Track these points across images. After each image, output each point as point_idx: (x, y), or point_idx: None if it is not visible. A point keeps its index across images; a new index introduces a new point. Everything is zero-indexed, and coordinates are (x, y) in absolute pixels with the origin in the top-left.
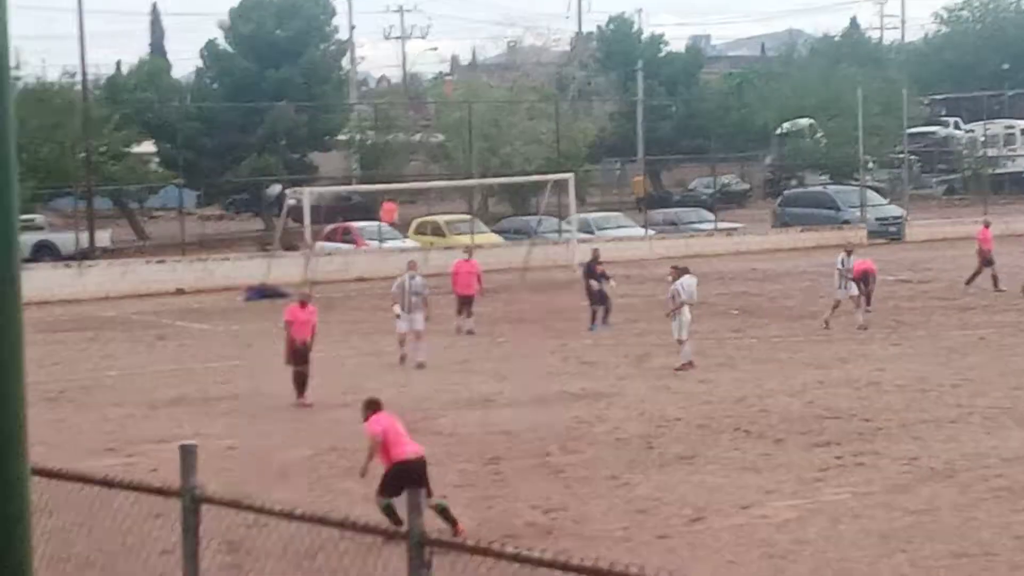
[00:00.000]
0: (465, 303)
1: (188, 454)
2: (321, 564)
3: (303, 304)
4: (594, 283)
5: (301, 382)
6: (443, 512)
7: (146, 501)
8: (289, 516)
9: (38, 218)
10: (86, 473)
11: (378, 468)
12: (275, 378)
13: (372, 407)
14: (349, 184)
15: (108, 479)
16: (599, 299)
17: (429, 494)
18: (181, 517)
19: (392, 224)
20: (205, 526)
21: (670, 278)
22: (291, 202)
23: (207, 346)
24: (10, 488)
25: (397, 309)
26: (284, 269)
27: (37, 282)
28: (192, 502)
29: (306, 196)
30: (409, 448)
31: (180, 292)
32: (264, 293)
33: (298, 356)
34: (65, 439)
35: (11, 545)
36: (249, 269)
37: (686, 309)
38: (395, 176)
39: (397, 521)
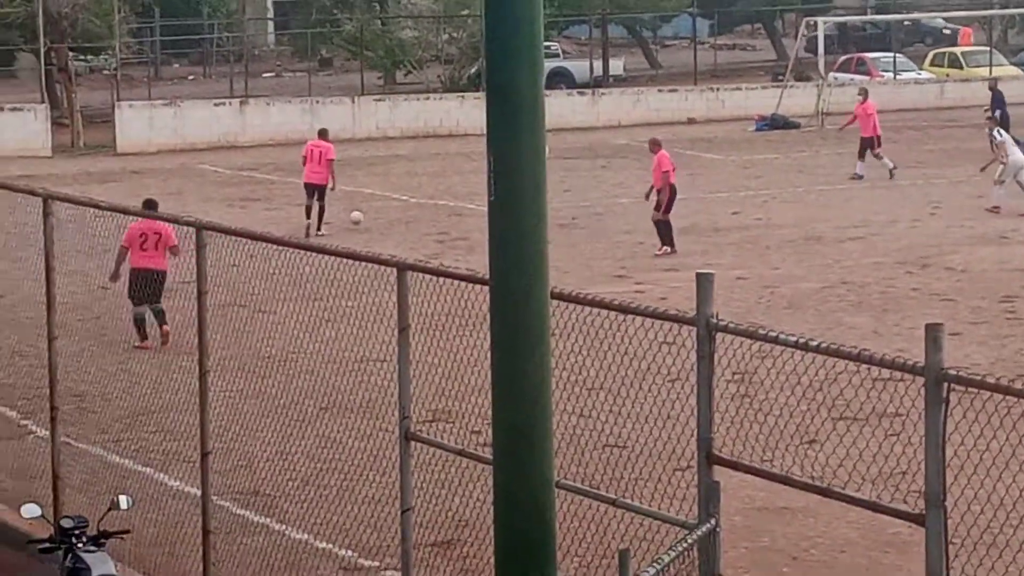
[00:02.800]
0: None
1: (705, 282)
2: (831, 396)
3: None
4: None
5: None
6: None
7: (656, 328)
8: (804, 347)
9: (554, 46)
10: (603, 299)
11: None
12: (784, 210)
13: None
14: (864, 14)
15: (624, 305)
16: None
17: None
18: (696, 345)
19: (969, 47)
20: (717, 355)
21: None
22: (805, 31)
23: (718, 176)
24: (534, 309)
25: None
26: (796, 99)
27: (552, 109)
28: (707, 330)
29: (820, 25)
30: None
31: (691, 121)
32: (775, 123)
33: None
34: (577, 264)
35: (533, 364)
36: (761, 99)
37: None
38: (913, 5)
39: None
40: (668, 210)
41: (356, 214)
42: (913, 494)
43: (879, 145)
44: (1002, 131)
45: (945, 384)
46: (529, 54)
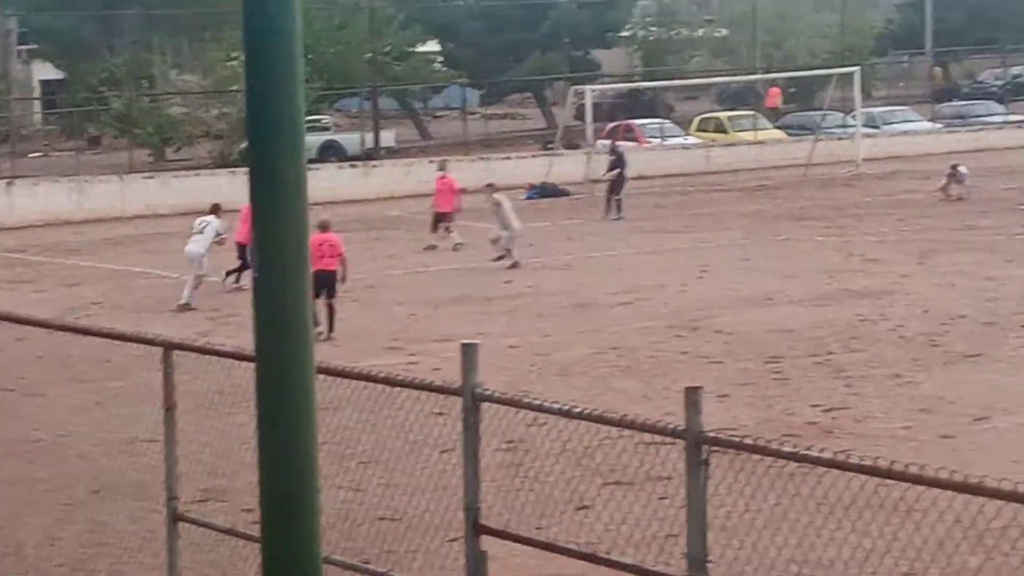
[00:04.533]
0: None
1: (470, 352)
2: (599, 462)
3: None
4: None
5: None
6: None
7: (428, 400)
8: (567, 414)
9: (325, 119)
10: (369, 372)
11: None
12: (555, 278)
13: None
14: (631, 81)
15: (391, 378)
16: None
17: None
18: (462, 415)
19: (775, 108)
20: (485, 424)
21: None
22: (573, 100)
23: (487, 246)
24: (299, 384)
25: None
26: (565, 167)
27: (323, 182)
28: (473, 400)
29: (588, 94)
30: None
31: (462, 191)
32: (545, 192)
33: None
34: (351, 337)
35: (299, 439)
36: (531, 168)
37: None
38: (678, 72)
39: None
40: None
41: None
42: (682, 557)
43: (451, 220)
44: None
45: (704, 446)
46: (290, 131)
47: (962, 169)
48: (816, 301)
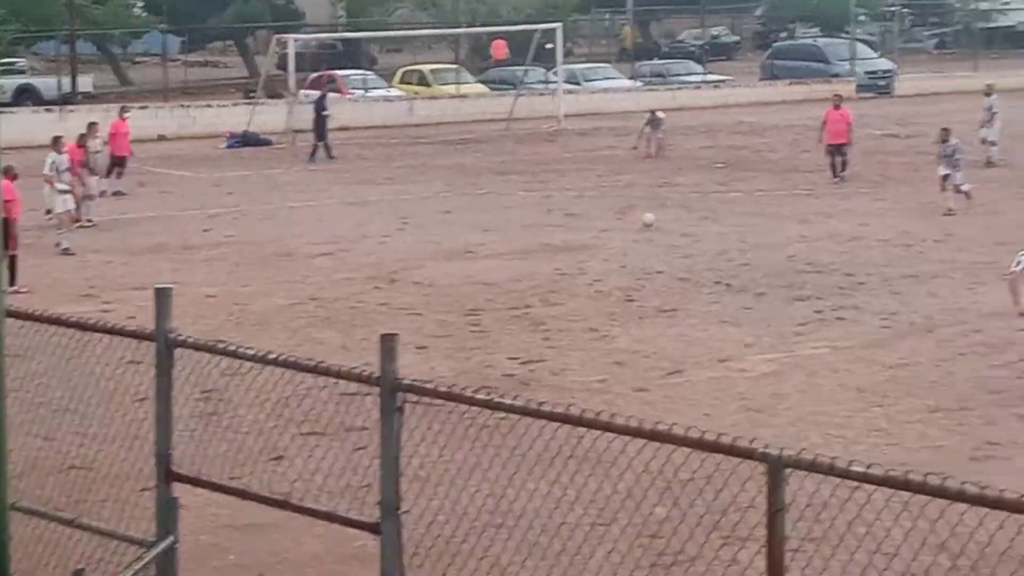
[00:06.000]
0: None
1: (163, 297)
2: (296, 412)
3: None
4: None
5: None
6: None
7: (122, 347)
8: (263, 360)
9: (20, 62)
10: (60, 316)
11: None
12: (256, 227)
13: None
14: (335, 32)
15: (82, 322)
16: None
17: None
18: (155, 361)
19: (503, 59)
20: (181, 374)
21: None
22: (275, 50)
23: (188, 193)
24: None
25: None
26: (267, 117)
27: (19, 126)
28: (166, 346)
29: (291, 43)
30: None
31: (162, 138)
32: (247, 141)
33: None
34: (43, 284)
35: None
36: (233, 116)
37: None
38: (382, 24)
39: None
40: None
41: (649, 216)
42: (375, 505)
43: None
44: None
45: (399, 394)
46: None
47: (660, 115)
48: (516, 255)
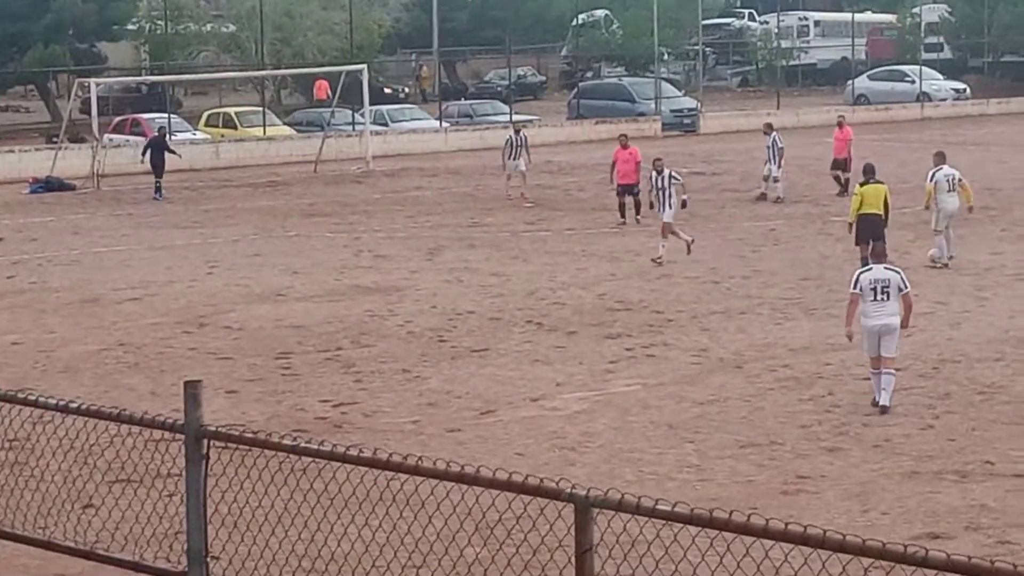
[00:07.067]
0: None
1: None
2: (105, 460)
3: None
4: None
5: None
6: None
7: None
8: (65, 410)
9: None
10: None
11: None
12: (61, 273)
13: None
14: (138, 75)
15: None
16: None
17: None
18: None
19: (325, 99)
20: None
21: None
22: (78, 94)
23: None
24: None
25: None
26: (71, 161)
27: None
28: None
29: (93, 87)
30: None
31: None
32: (50, 186)
33: None
34: None
35: None
36: (35, 161)
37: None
38: (186, 67)
39: None
40: None
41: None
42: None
43: None
44: None
45: (205, 440)
46: None
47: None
48: (326, 297)
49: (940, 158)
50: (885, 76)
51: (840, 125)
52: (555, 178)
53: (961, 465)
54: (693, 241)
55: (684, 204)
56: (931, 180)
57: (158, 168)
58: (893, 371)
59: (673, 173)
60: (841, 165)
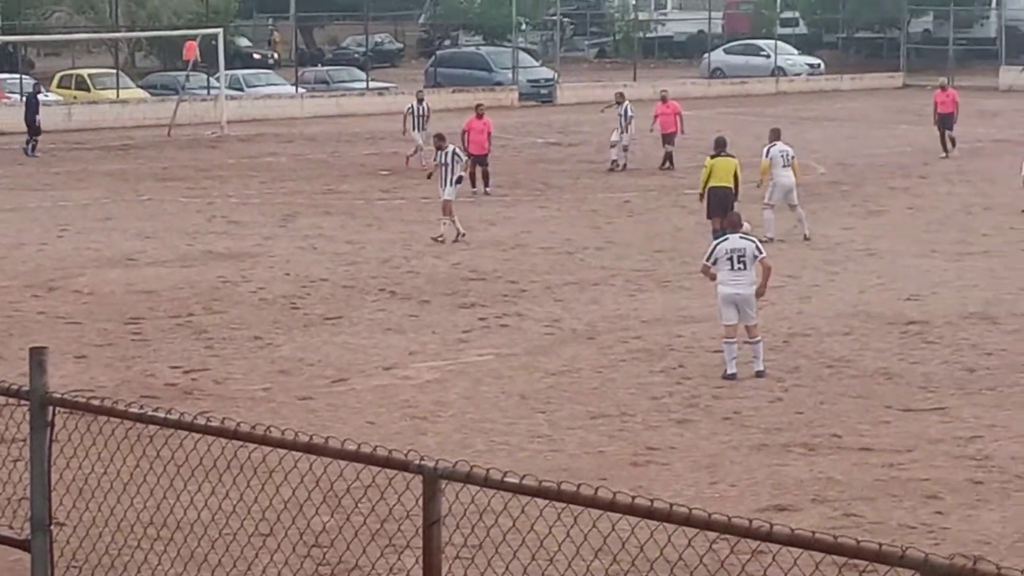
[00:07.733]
0: None
1: None
2: None
3: None
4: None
5: None
6: None
7: None
8: None
9: None
10: None
11: None
12: None
13: None
14: None
15: None
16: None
17: None
18: None
19: (194, 60)
20: None
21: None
22: None
23: None
24: None
25: None
26: None
27: None
28: None
29: None
30: None
31: None
32: None
33: None
34: None
35: None
36: None
37: None
38: (39, 27)
39: None
40: None
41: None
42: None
43: None
44: None
45: (51, 407)
46: None
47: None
48: (178, 262)
49: (775, 134)
50: (741, 50)
51: (664, 100)
52: (411, 146)
53: (809, 438)
54: (464, 236)
55: (460, 180)
56: (767, 155)
57: (31, 126)
58: (759, 337)
59: (456, 150)
60: (670, 140)
